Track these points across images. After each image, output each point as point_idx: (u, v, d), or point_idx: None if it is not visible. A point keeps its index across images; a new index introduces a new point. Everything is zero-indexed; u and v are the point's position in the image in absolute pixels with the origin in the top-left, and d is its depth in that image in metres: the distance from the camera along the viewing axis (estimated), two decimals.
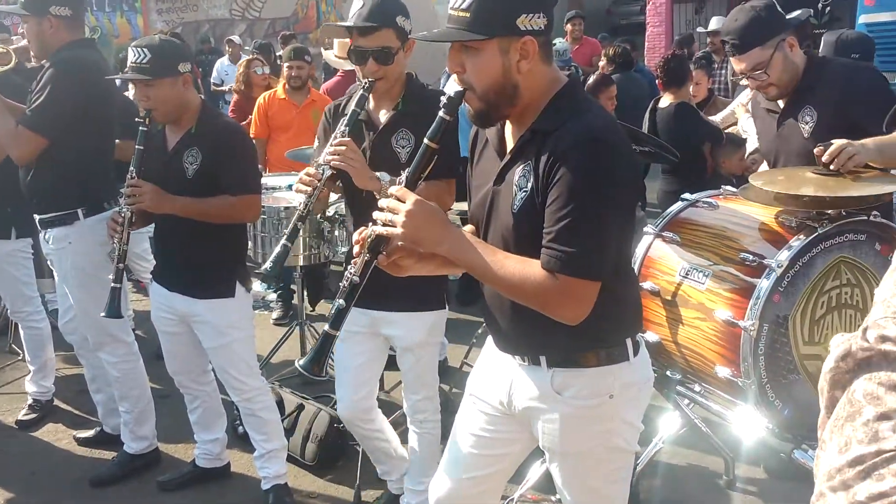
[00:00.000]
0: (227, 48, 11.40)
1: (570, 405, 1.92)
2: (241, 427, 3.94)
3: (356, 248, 1.89)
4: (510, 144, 1.91)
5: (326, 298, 5.89)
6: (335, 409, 3.94)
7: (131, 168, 3.03)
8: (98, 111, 3.46)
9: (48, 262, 3.94)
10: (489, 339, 2.15)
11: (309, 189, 2.60)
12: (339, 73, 6.69)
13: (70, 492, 3.65)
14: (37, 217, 3.59)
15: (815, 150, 2.77)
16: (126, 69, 3.07)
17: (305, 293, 5.16)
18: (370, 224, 1.84)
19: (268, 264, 2.62)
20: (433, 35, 1.87)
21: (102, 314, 3.08)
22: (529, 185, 1.79)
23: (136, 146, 3.05)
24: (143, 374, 3.77)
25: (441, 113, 1.84)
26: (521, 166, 1.83)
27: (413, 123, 2.71)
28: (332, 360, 4.45)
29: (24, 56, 4.20)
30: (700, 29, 12.62)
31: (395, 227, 1.76)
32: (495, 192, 1.91)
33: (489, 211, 1.93)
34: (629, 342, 1.94)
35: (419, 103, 2.74)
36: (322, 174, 2.60)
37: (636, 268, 3.18)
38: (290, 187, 4.74)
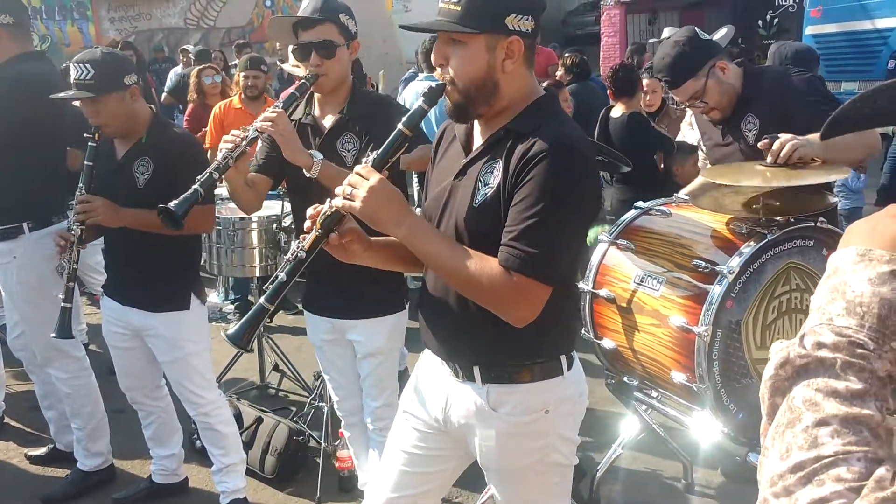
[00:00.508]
0: (180, 57, 11.28)
1: (506, 421, 1.92)
2: (198, 441, 3.89)
3: (307, 224, 1.85)
4: (477, 142, 1.92)
5: (285, 309, 5.85)
6: (294, 422, 3.92)
7: (80, 185, 2.96)
8: (47, 126, 3.40)
9: None
10: (422, 356, 2.14)
11: (230, 145, 2.52)
12: (295, 83, 6.67)
13: None
14: None
15: (762, 143, 2.85)
16: (70, 86, 2.98)
17: None
18: (328, 200, 1.82)
19: (174, 203, 2.46)
20: (422, 24, 1.86)
21: (53, 335, 3.00)
22: (496, 182, 1.79)
23: (86, 162, 2.99)
24: (96, 389, 3.70)
25: (420, 102, 1.85)
26: (487, 163, 1.84)
27: (358, 127, 2.73)
28: (284, 360, 4.48)
29: None
30: (653, 40, 12.83)
31: (355, 200, 1.75)
32: (454, 187, 1.91)
33: (445, 204, 1.92)
34: (563, 358, 1.95)
35: (364, 107, 2.76)
36: (248, 136, 2.54)
37: (591, 275, 3.22)
38: None
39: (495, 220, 1.78)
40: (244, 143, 2.52)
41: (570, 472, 2.04)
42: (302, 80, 2.71)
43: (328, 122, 2.80)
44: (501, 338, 1.84)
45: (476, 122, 1.94)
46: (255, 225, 4.26)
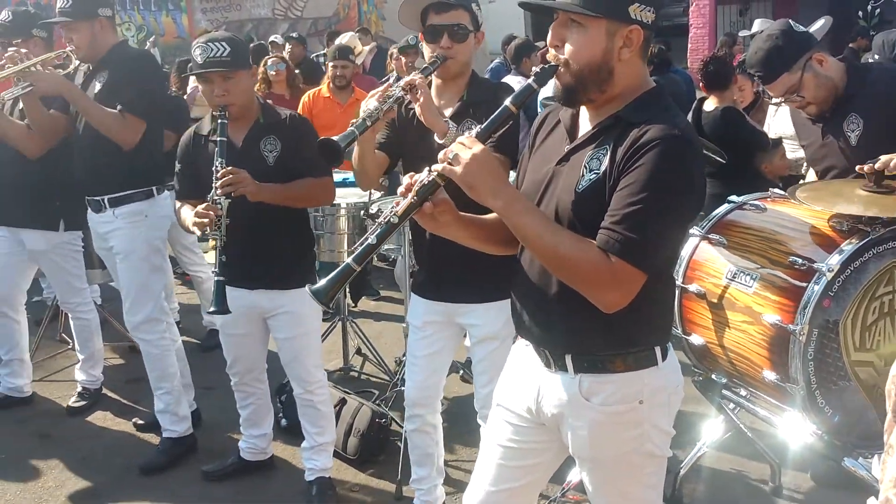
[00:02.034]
0: (271, 49, 11.51)
1: (599, 411, 1.91)
2: (283, 420, 4.01)
3: (401, 189, 1.86)
4: (583, 129, 1.92)
5: (369, 295, 5.95)
6: (377, 405, 4.00)
7: (218, 159, 2.97)
8: (163, 99, 3.72)
9: (96, 248, 4.02)
10: (514, 347, 2.15)
11: (377, 102, 2.55)
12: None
13: (118, 477, 3.74)
14: (104, 197, 3.68)
15: (862, 169, 2.76)
16: (199, 65, 3.06)
17: (348, 289, 5.20)
18: (426, 168, 1.83)
19: (338, 136, 2.45)
20: (547, 3, 1.87)
21: (211, 309, 3.00)
22: (603, 168, 1.79)
23: (219, 138, 3.01)
24: (182, 352, 3.99)
25: (530, 80, 1.85)
26: (594, 149, 1.83)
27: (478, 113, 2.74)
28: (367, 344, 4.55)
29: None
30: (744, 32, 12.47)
31: (455, 168, 1.76)
32: (556, 172, 1.91)
33: (545, 189, 1.92)
34: (658, 348, 1.93)
35: (484, 93, 2.79)
36: (394, 94, 2.57)
37: (682, 270, 3.17)
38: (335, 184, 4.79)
39: (598, 206, 1.77)
40: (391, 100, 2.57)
41: (664, 463, 2.02)
42: (433, 59, 2.74)
43: (448, 109, 2.82)
44: (595, 325, 1.83)
45: (583, 109, 1.93)
46: (343, 211, 4.35)
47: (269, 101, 3.51)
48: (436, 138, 2.63)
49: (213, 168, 2.98)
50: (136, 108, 3.55)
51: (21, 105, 3.95)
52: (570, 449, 2.00)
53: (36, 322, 5.22)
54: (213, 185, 2.95)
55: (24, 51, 3.69)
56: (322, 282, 1.80)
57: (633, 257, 1.71)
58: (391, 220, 1.81)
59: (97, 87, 3.63)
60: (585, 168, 1.83)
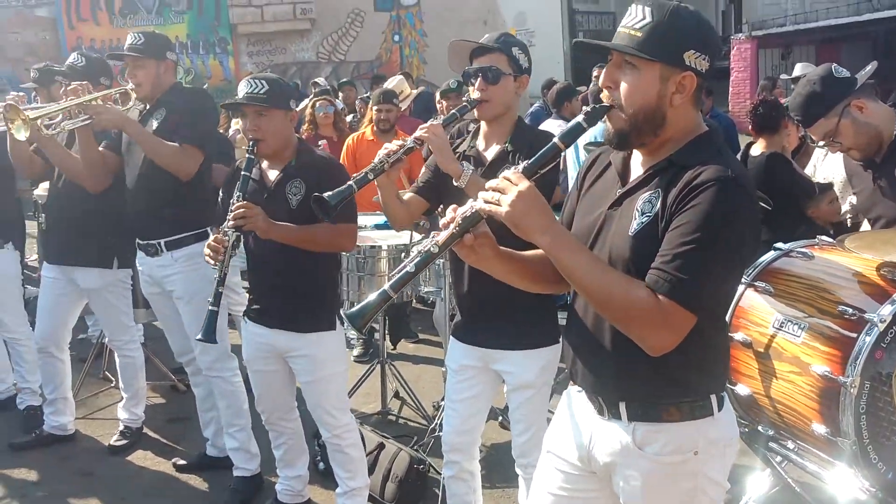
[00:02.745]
0: (311, 90, 11.77)
1: (652, 461, 1.88)
2: (321, 463, 4.00)
3: (444, 221, 1.85)
4: (635, 172, 1.91)
5: (408, 338, 5.94)
6: (415, 450, 3.96)
7: (237, 192, 3.07)
8: (215, 135, 3.81)
9: (143, 293, 4.09)
10: (567, 392, 2.12)
11: (387, 151, 2.63)
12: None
13: None
14: (160, 241, 3.74)
15: None
16: (239, 98, 3.18)
17: (387, 331, 5.21)
18: (469, 200, 1.83)
19: (329, 193, 2.52)
20: (601, 42, 1.88)
21: (198, 337, 3.09)
22: (655, 210, 1.78)
23: (243, 172, 3.11)
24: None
25: (580, 119, 1.85)
26: (647, 193, 1.82)
27: (520, 157, 2.74)
28: (405, 387, 4.53)
29: None
30: (784, 76, 12.40)
31: (501, 205, 1.75)
32: (609, 216, 1.90)
33: (598, 233, 1.91)
34: (714, 398, 1.89)
35: (528, 140, 2.80)
36: (405, 145, 2.65)
37: (726, 318, 3.11)
38: (375, 227, 4.84)
39: (651, 250, 1.75)
40: (401, 150, 2.62)
41: None
42: (464, 102, 2.80)
43: (490, 153, 2.86)
44: (650, 373, 1.81)
45: (634, 152, 1.93)
46: (384, 253, 4.37)
47: (322, 143, 3.58)
48: (453, 181, 2.68)
49: (231, 200, 3.07)
50: (193, 139, 3.63)
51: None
52: (621, 499, 1.97)
53: (80, 360, 5.31)
54: (228, 216, 3.05)
55: (85, 82, 3.79)
56: (357, 306, 1.80)
57: (683, 298, 1.69)
58: (431, 249, 1.81)
59: (154, 124, 3.72)
60: (638, 211, 1.82)
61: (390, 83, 7.54)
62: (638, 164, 1.92)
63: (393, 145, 2.65)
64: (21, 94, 4.39)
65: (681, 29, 1.79)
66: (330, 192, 2.52)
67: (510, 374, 2.88)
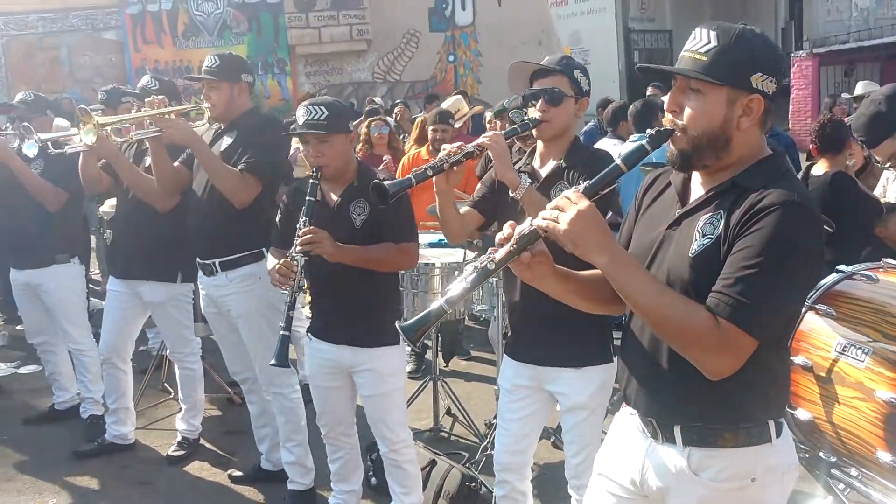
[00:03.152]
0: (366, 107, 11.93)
1: (708, 487, 1.84)
2: (373, 479, 4.02)
3: (500, 237, 1.85)
4: (695, 193, 1.90)
5: (460, 355, 5.95)
6: (467, 468, 3.96)
7: (303, 217, 3.12)
8: (282, 165, 3.80)
9: (202, 308, 4.17)
10: (619, 413, 2.10)
11: (448, 153, 2.66)
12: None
13: None
14: (215, 261, 3.79)
15: None
16: (299, 125, 3.23)
17: (439, 348, 5.22)
18: (528, 219, 1.83)
19: (389, 182, 2.62)
20: (668, 67, 1.88)
21: (272, 362, 3.13)
22: (717, 233, 1.76)
23: (308, 198, 3.15)
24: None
25: (644, 142, 1.85)
26: (708, 214, 1.81)
27: (575, 174, 2.77)
28: (457, 405, 4.53)
29: None
30: (846, 95, 12.13)
31: (560, 223, 1.75)
32: (667, 237, 1.89)
33: (655, 253, 1.90)
34: (772, 423, 1.85)
35: (583, 158, 2.83)
36: (466, 149, 2.67)
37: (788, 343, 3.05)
38: (429, 245, 4.87)
39: (711, 271, 1.74)
40: (462, 153, 2.65)
41: None
42: (524, 122, 2.82)
43: (545, 170, 2.88)
44: (707, 397, 1.78)
45: (695, 173, 1.92)
46: (437, 271, 4.39)
47: (386, 160, 3.61)
48: (510, 192, 2.70)
49: (298, 225, 3.12)
50: (255, 169, 3.65)
51: (147, 162, 4.19)
52: None
53: (140, 371, 5.44)
54: (295, 241, 3.08)
55: (163, 96, 3.88)
56: (412, 319, 1.81)
57: (744, 322, 1.66)
58: (487, 265, 1.81)
59: (225, 144, 3.78)
60: (698, 233, 1.81)
61: (447, 102, 7.60)
62: (698, 185, 1.91)
63: (454, 146, 2.69)
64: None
65: (748, 52, 1.78)
66: (390, 181, 2.60)
67: (563, 395, 2.86)
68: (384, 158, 6.53)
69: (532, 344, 2.90)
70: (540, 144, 2.94)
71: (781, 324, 1.79)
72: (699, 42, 1.80)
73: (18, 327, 5.41)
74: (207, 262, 3.83)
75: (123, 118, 3.91)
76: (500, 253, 1.82)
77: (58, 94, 15.52)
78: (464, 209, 3.00)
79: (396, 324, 1.85)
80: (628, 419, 2.03)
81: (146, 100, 3.85)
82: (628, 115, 6.30)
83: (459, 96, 8.27)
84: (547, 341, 2.83)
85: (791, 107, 16.39)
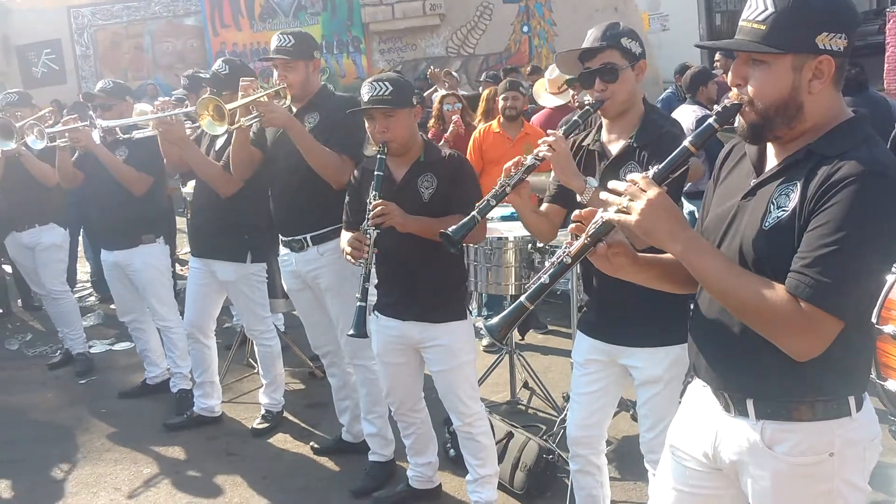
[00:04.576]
0: (443, 79, 11.84)
1: (783, 461, 1.78)
2: (451, 450, 4.06)
3: (571, 226, 1.84)
4: (770, 162, 1.83)
5: (537, 328, 5.93)
6: (544, 440, 3.96)
7: (373, 192, 3.17)
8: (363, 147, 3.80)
9: (285, 285, 4.26)
10: (691, 386, 2.05)
11: (506, 176, 2.63)
12: (547, 108, 6.79)
13: (297, 499, 3.93)
14: (306, 236, 3.84)
15: None
16: (364, 102, 3.25)
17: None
18: (599, 210, 1.80)
19: (452, 229, 2.64)
20: (723, 43, 1.83)
21: (350, 332, 3.18)
22: (792, 205, 1.69)
23: (376, 172, 3.19)
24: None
25: (711, 121, 1.79)
26: (783, 184, 1.74)
27: (645, 155, 2.69)
28: (534, 378, 4.53)
29: None
30: None
31: (631, 213, 1.71)
32: (741, 207, 1.83)
33: (729, 224, 1.84)
34: (852, 399, 1.77)
35: (653, 135, 2.72)
36: (525, 164, 2.62)
37: (876, 310, 2.92)
38: (502, 218, 4.85)
39: (786, 245, 1.67)
40: (521, 171, 2.61)
41: None
42: (586, 107, 2.76)
43: (615, 148, 2.80)
44: (781, 370, 1.72)
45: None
46: (511, 244, 4.38)
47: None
48: (577, 197, 2.65)
49: (367, 200, 3.16)
50: (350, 150, 3.70)
51: (217, 146, 4.29)
52: (749, 499, 1.89)
53: (226, 347, 5.64)
54: (366, 216, 3.13)
55: (252, 78, 3.90)
56: (495, 319, 1.83)
57: (827, 303, 1.60)
58: (564, 259, 1.80)
59: (308, 126, 3.79)
60: (773, 204, 1.74)
61: (551, 73, 7.35)
62: (773, 154, 1.83)
63: (511, 163, 2.64)
64: (169, 98, 4.70)
65: (808, 13, 1.68)
66: (453, 227, 2.63)
67: (638, 368, 2.82)
68: (451, 125, 6.48)
69: (607, 322, 2.86)
70: (606, 121, 2.85)
71: (866, 301, 1.72)
72: (756, 9, 1.71)
73: (112, 306, 5.66)
74: (298, 237, 3.88)
75: (240, 103, 3.79)
76: (576, 246, 1.80)
77: (143, 80, 16.09)
78: (544, 207, 2.96)
79: (482, 323, 1.88)
80: (700, 391, 1.99)
81: (241, 84, 3.81)
82: (682, 84, 6.10)
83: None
84: (622, 321, 2.79)
85: (886, 65, 15.57)
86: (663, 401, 2.81)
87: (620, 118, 2.79)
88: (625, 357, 2.84)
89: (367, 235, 3.15)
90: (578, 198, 2.66)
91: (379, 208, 3.10)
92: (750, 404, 1.82)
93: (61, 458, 4.51)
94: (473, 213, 2.63)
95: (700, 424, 1.97)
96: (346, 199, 3.51)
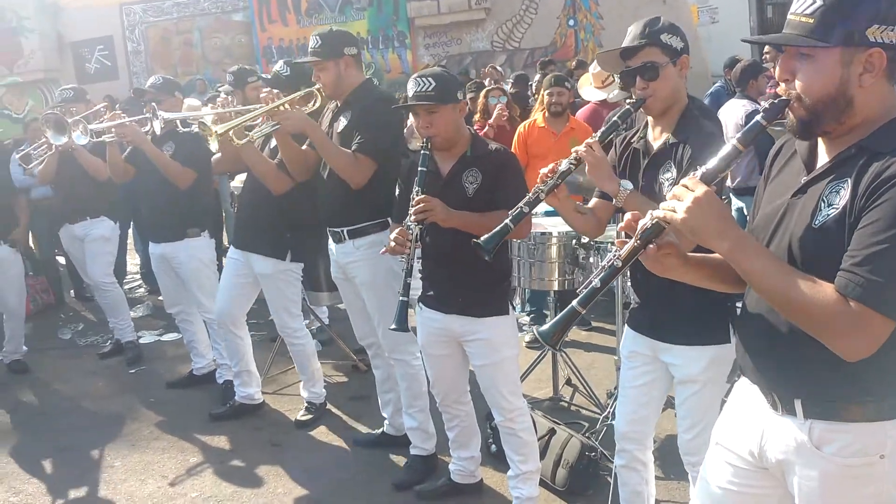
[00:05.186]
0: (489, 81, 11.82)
1: (832, 462, 1.74)
2: (493, 446, 4.05)
3: (621, 225, 1.83)
4: (822, 159, 1.79)
5: (580, 325, 5.88)
6: (587, 437, 3.92)
7: (416, 187, 3.19)
8: (399, 140, 3.82)
9: (332, 274, 4.27)
10: (738, 384, 2.02)
11: (542, 182, 2.64)
12: (592, 102, 6.73)
13: (338, 491, 3.96)
14: (344, 229, 3.87)
15: None
16: (408, 98, 3.27)
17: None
18: (648, 212, 1.78)
19: (484, 238, 2.68)
20: (769, 38, 1.80)
21: (392, 327, 3.21)
22: (842, 203, 1.65)
23: (420, 168, 3.21)
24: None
25: (759, 117, 1.75)
26: (833, 181, 1.70)
27: (677, 154, 2.65)
28: (577, 374, 4.50)
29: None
30: None
31: (677, 212, 1.69)
32: (791, 205, 1.79)
33: (779, 223, 1.81)
34: None
35: (691, 133, 2.67)
36: (559, 170, 2.63)
37: None
38: (545, 213, 4.82)
39: (836, 243, 1.63)
40: (556, 176, 2.61)
41: None
42: (626, 106, 2.72)
43: (657, 144, 2.77)
44: (831, 370, 1.68)
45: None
46: (555, 240, 4.35)
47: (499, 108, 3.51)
48: (614, 200, 2.64)
49: (411, 196, 3.18)
50: (369, 149, 3.68)
51: (271, 144, 4.34)
52: (796, 499, 1.84)
53: (271, 339, 5.71)
54: (409, 210, 3.14)
55: (275, 91, 3.99)
56: (547, 325, 1.83)
57: (876, 303, 1.55)
58: (615, 263, 1.79)
59: (342, 124, 3.83)
60: (823, 202, 1.69)
61: (595, 66, 7.31)
62: (823, 151, 1.78)
63: (546, 170, 2.63)
64: (226, 96, 4.76)
65: (858, 5, 1.62)
66: (486, 236, 2.66)
67: (676, 366, 2.79)
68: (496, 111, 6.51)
69: (650, 317, 2.83)
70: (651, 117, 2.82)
71: None
72: (804, 2, 1.67)
73: (160, 298, 5.77)
74: (336, 230, 3.92)
75: (238, 122, 3.99)
76: (626, 248, 1.79)
77: (192, 75, 16.33)
78: (593, 202, 2.93)
79: (535, 330, 1.87)
80: (748, 389, 1.95)
81: (261, 95, 3.95)
82: (732, 78, 5.98)
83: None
84: (664, 317, 2.76)
85: None
86: (701, 402, 2.77)
87: (664, 115, 2.75)
88: (664, 353, 2.81)
89: (410, 231, 3.16)
90: (613, 201, 2.65)
91: (421, 204, 3.11)
92: (798, 404, 1.78)
93: (111, 446, 4.61)
94: (507, 220, 2.66)
95: (747, 422, 1.93)
96: (397, 191, 3.52)
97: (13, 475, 4.37)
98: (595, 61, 7.92)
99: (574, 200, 2.86)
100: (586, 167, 2.65)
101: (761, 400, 1.89)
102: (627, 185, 2.63)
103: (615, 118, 2.72)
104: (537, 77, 9.03)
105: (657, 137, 2.78)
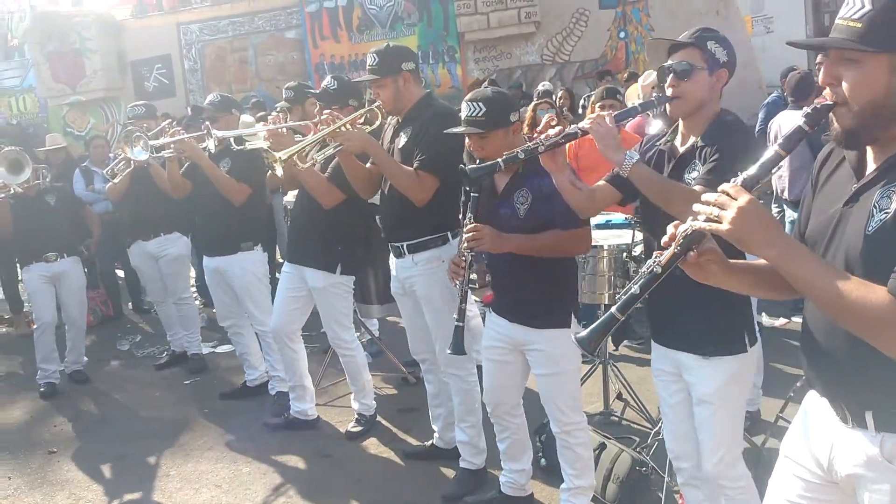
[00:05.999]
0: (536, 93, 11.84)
1: None
2: (543, 459, 4.02)
3: (665, 239, 1.81)
4: (870, 165, 1.76)
5: (630, 339, 5.82)
6: (638, 452, 3.88)
7: (469, 214, 3.22)
8: (460, 151, 3.81)
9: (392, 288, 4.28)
10: (808, 396, 1.98)
11: (553, 134, 2.68)
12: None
13: (388, 500, 3.98)
14: (403, 244, 3.88)
15: None
16: (462, 122, 3.32)
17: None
18: (689, 218, 1.77)
19: (471, 167, 2.79)
20: (818, 41, 1.79)
21: (448, 351, 3.26)
22: (894, 206, 1.63)
23: (472, 193, 3.23)
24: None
25: (801, 123, 1.74)
26: (884, 187, 1.67)
27: (702, 156, 2.64)
28: (628, 389, 4.44)
29: None
30: None
31: (722, 222, 1.67)
32: (844, 214, 1.76)
33: (833, 232, 1.78)
34: None
35: (717, 137, 2.64)
36: (565, 130, 2.68)
37: None
38: (596, 227, 4.79)
39: (891, 247, 1.60)
40: (560, 136, 2.65)
41: None
42: (652, 98, 2.72)
43: (684, 148, 2.75)
44: None
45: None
46: (605, 253, 4.32)
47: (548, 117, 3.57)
48: (618, 169, 2.66)
49: (464, 222, 3.21)
50: (429, 166, 3.69)
51: (325, 154, 4.39)
52: None
53: (323, 351, 5.77)
54: (461, 237, 3.19)
55: (335, 113, 3.99)
56: (586, 331, 1.82)
57: None
58: (655, 270, 1.78)
59: (403, 141, 3.85)
60: (875, 208, 1.66)
61: (645, 79, 7.34)
62: (872, 157, 1.76)
63: (554, 130, 2.67)
64: (277, 113, 4.85)
65: None
66: (474, 166, 2.74)
67: (692, 385, 2.75)
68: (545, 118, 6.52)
69: (666, 326, 2.81)
70: (681, 122, 2.80)
71: None
72: (853, 7, 1.65)
73: (214, 310, 5.89)
74: (396, 244, 3.95)
75: (299, 147, 4.03)
76: (666, 255, 1.78)
77: (246, 93, 16.67)
78: (600, 183, 2.92)
79: (573, 337, 1.87)
80: (817, 400, 1.92)
81: (322, 117, 3.95)
82: (786, 85, 5.87)
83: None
84: (677, 323, 2.74)
85: None
86: (718, 423, 2.70)
87: (691, 121, 2.73)
88: (684, 370, 2.77)
89: (464, 259, 3.20)
90: (616, 169, 2.65)
91: (471, 234, 3.14)
92: (869, 416, 1.74)
93: (167, 455, 4.71)
94: (498, 160, 2.72)
95: (815, 435, 1.90)
96: (462, 198, 3.55)
97: (74, 482, 4.49)
98: (645, 73, 7.92)
99: (571, 168, 2.89)
100: (593, 136, 2.65)
101: (830, 413, 1.85)
102: (633, 154, 2.62)
103: (637, 105, 2.77)
104: (591, 92, 9.02)
105: (684, 142, 2.77)
